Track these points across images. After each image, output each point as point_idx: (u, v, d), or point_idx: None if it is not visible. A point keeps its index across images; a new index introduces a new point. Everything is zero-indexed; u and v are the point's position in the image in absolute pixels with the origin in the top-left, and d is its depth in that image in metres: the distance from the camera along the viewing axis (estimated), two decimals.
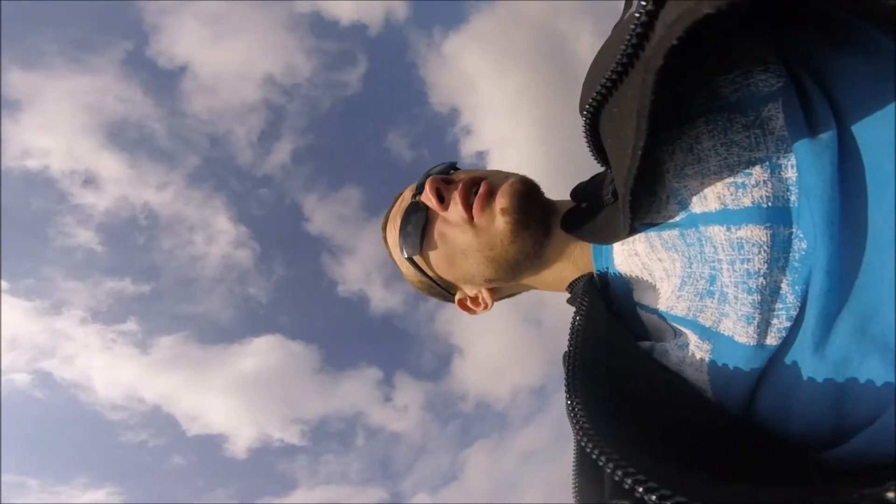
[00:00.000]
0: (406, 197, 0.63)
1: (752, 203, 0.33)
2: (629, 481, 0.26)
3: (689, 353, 0.37)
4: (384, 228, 0.69)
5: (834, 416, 0.30)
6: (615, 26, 0.47)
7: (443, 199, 0.55)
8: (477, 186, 0.55)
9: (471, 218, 0.54)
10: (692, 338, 0.38)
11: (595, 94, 0.37)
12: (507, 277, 0.59)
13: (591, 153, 0.45)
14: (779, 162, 0.32)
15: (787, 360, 0.32)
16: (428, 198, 0.56)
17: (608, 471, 0.28)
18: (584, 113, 0.40)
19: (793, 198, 0.32)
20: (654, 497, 0.25)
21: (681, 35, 0.26)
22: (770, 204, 0.32)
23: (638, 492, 0.26)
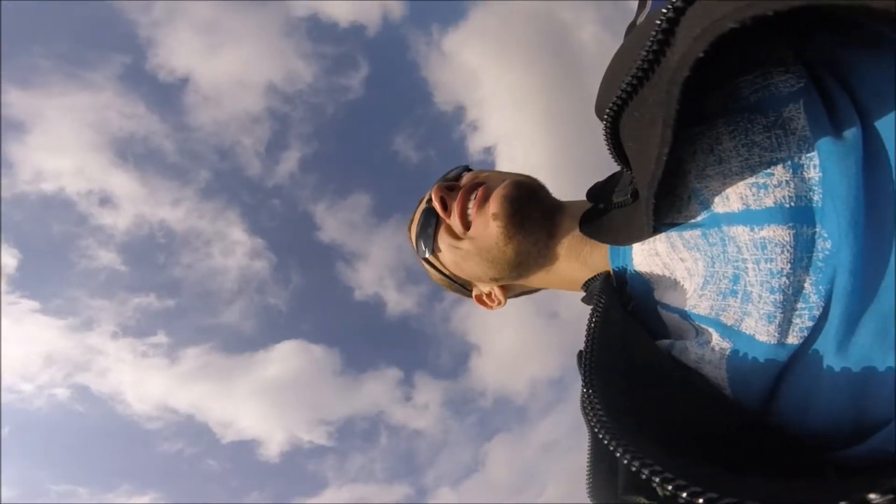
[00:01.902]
0: (425, 199, 0.67)
1: (775, 203, 0.33)
2: (645, 472, 0.27)
3: (709, 351, 0.37)
4: (409, 229, 0.73)
5: (854, 414, 0.30)
6: (629, 28, 0.47)
7: (446, 207, 0.59)
8: (476, 192, 0.58)
9: (466, 225, 0.58)
10: (713, 336, 0.38)
11: (616, 99, 0.37)
12: (513, 276, 0.61)
13: (610, 154, 0.46)
14: (801, 162, 0.33)
15: (809, 359, 0.32)
16: (435, 202, 0.61)
17: (624, 462, 0.29)
18: (605, 116, 0.40)
19: (816, 198, 0.32)
20: (669, 487, 0.26)
21: (707, 49, 0.27)
22: (793, 204, 0.32)
23: (654, 482, 0.26)
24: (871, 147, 0.30)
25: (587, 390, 0.37)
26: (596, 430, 0.33)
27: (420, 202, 0.72)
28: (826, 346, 0.31)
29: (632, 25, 0.48)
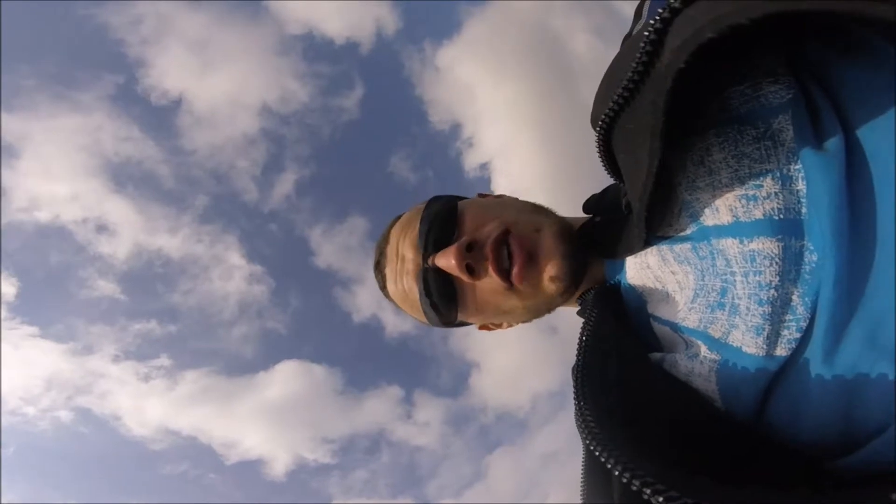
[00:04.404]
0: (408, 256, 0.56)
1: (764, 215, 0.33)
2: (637, 483, 0.27)
3: (698, 364, 0.37)
4: (384, 287, 0.62)
5: (844, 424, 0.30)
6: (625, 39, 0.48)
7: (473, 271, 0.50)
8: (506, 245, 0.50)
9: (510, 286, 0.50)
10: (702, 349, 0.38)
11: (608, 111, 0.37)
12: (542, 317, 0.61)
13: (603, 166, 0.45)
14: (790, 174, 0.33)
15: (798, 370, 0.32)
16: (458, 272, 0.50)
17: (616, 473, 0.29)
18: (598, 128, 0.40)
19: (804, 210, 0.32)
20: (660, 499, 0.26)
21: (687, 59, 0.28)
22: (782, 216, 0.32)
23: (646, 493, 0.27)
24: (855, 157, 0.30)
25: (578, 402, 0.37)
26: (587, 441, 0.33)
27: (381, 255, 0.61)
28: (814, 356, 0.31)
29: (628, 36, 0.48)
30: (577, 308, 0.57)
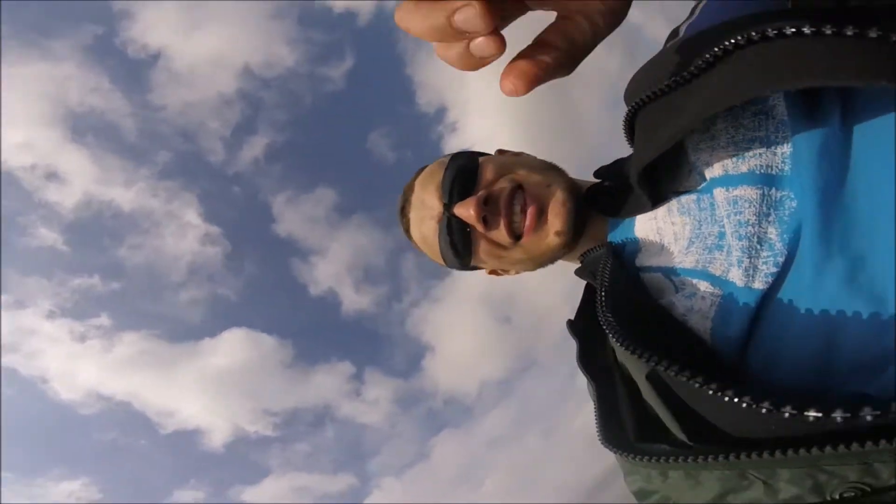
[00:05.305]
0: (430, 204, 0.63)
1: (748, 170, 0.39)
2: (663, 366, 0.33)
3: (699, 300, 0.40)
4: (407, 230, 0.70)
5: (820, 365, 0.32)
6: (671, 35, 0.53)
7: (487, 223, 0.57)
8: (518, 199, 0.57)
9: (517, 240, 0.58)
10: (702, 285, 0.41)
11: (637, 101, 0.43)
12: (545, 266, 0.68)
13: (624, 135, 0.51)
14: (777, 140, 0.39)
15: (777, 307, 0.35)
16: (474, 222, 0.57)
17: (644, 360, 0.34)
18: (629, 110, 0.46)
19: (786, 168, 0.38)
20: (696, 383, 0.30)
21: (706, 117, 0.35)
22: (763, 171, 0.39)
23: (683, 377, 0.31)
24: (850, 125, 0.35)
25: (605, 313, 0.41)
26: (617, 340, 0.37)
27: (406, 201, 0.69)
28: (793, 294, 0.35)
29: (674, 32, 0.53)
30: (578, 266, 0.62)
